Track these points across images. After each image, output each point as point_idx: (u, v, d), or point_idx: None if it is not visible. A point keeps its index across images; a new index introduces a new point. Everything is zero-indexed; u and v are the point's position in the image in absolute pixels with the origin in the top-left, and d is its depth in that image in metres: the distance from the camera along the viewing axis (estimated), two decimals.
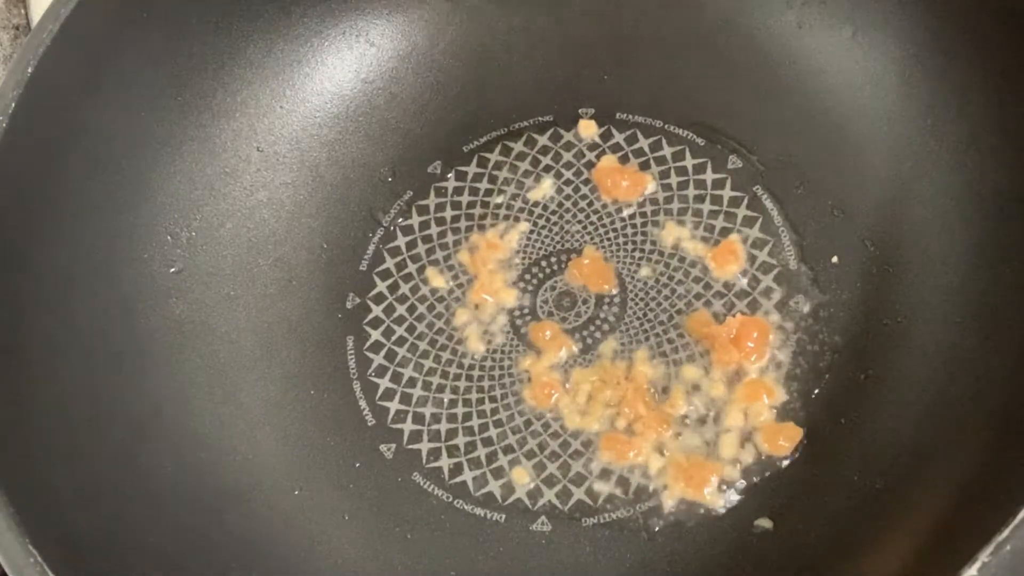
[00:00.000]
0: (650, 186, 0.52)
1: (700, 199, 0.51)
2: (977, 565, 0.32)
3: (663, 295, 0.50)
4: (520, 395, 0.49)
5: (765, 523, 0.44)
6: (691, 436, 0.46)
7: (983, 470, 0.39)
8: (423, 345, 0.51)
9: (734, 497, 0.45)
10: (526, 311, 0.51)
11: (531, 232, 0.52)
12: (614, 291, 0.50)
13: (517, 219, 0.53)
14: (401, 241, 0.53)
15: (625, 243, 0.51)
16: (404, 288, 0.52)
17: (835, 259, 0.49)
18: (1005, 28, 0.46)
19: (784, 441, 0.45)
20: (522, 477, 0.47)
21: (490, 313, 0.51)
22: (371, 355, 0.51)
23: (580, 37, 0.56)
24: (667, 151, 0.53)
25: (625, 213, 0.52)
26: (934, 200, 0.48)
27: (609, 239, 0.51)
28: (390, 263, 0.53)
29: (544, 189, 0.53)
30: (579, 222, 0.52)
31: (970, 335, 0.44)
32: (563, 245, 0.52)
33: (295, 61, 0.55)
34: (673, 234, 0.51)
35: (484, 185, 0.54)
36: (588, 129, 0.54)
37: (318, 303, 0.52)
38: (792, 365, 0.47)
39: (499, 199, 0.54)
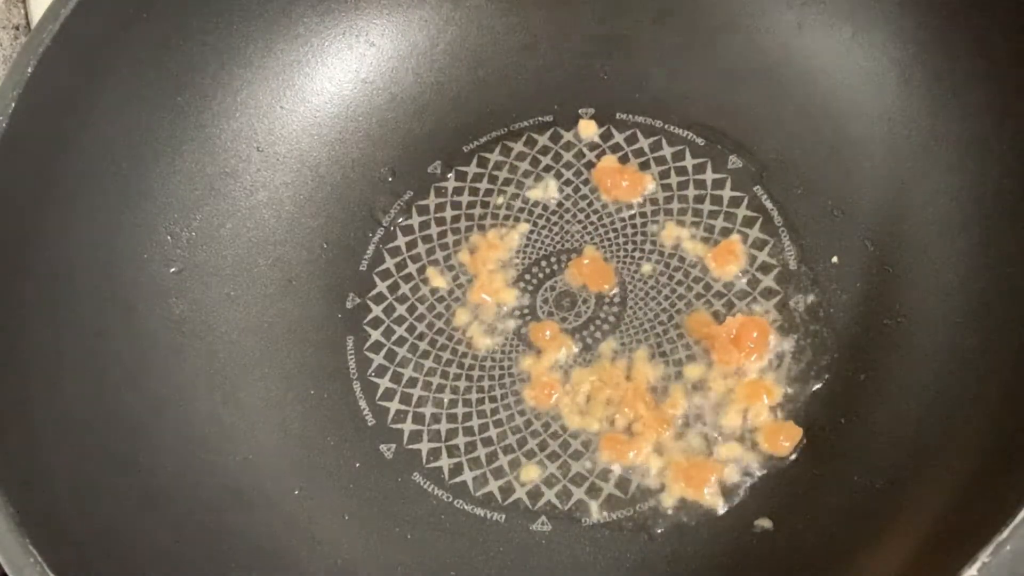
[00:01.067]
0: (650, 186, 0.52)
1: (700, 199, 0.51)
2: (977, 565, 0.32)
3: (663, 295, 0.50)
4: (520, 395, 0.49)
5: (765, 523, 0.44)
6: (691, 436, 0.46)
7: (983, 470, 0.39)
8: (423, 345, 0.51)
9: (734, 497, 0.45)
10: (526, 311, 0.51)
11: (531, 232, 0.52)
12: (614, 291, 0.50)
13: (517, 219, 0.53)
14: (401, 241, 0.53)
15: (625, 243, 0.51)
16: (404, 288, 0.52)
17: (835, 259, 0.49)
18: (1005, 28, 0.46)
19: (784, 441, 0.45)
20: (526, 476, 0.47)
21: (490, 313, 0.51)
22: (371, 355, 0.51)
23: (580, 37, 0.56)
24: (667, 151, 0.53)
25: (625, 213, 0.52)
26: (934, 200, 0.48)
27: (609, 239, 0.51)
28: (390, 263, 0.53)
29: (544, 189, 0.53)
30: (579, 222, 0.52)
31: (970, 335, 0.44)
32: (563, 245, 0.52)
33: (295, 61, 0.55)
34: (673, 234, 0.51)
35: (484, 185, 0.54)
36: (588, 129, 0.54)
37: (318, 303, 0.52)
38: (792, 365, 0.47)
39: (499, 199, 0.54)
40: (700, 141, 0.53)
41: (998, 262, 0.45)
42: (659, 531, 0.45)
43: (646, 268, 0.50)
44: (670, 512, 0.45)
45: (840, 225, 0.49)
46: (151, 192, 0.51)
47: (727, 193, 0.51)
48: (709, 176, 0.52)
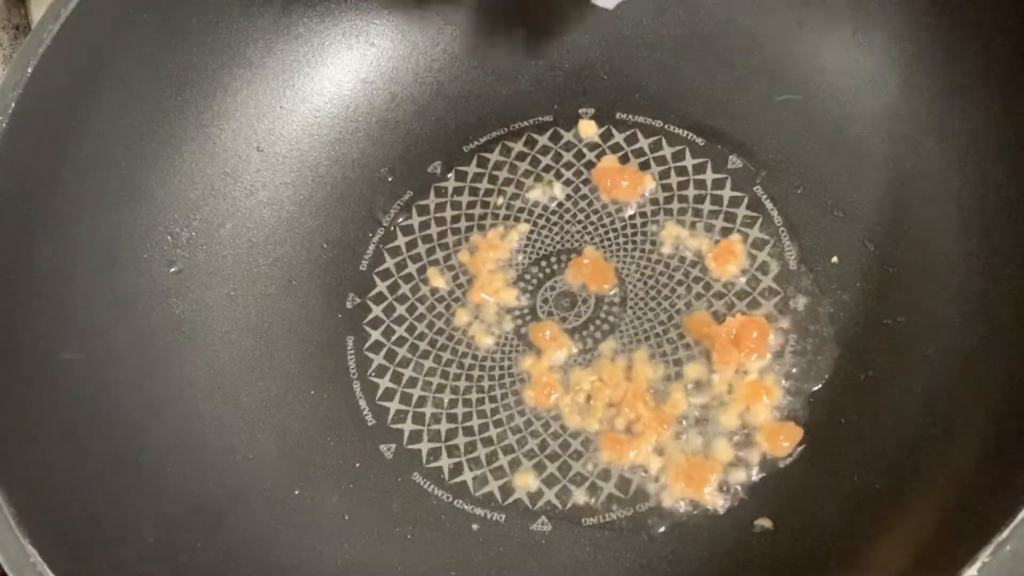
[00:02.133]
0: (650, 186, 0.52)
1: (700, 199, 0.51)
2: (977, 565, 0.32)
3: (663, 295, 0.50)
4: (520, 395, 0.49)
5: (765, 523, 0.44)
6: (691, 436, 0.46)
7: (983, 470, 0.39)
8: (423, 345, 0.51)
9: (734, 497, 0.45)
10: (526, 311, 0.51)
11: (531, 232, 0.52)
12: (614, 291, 0.50)
13: (517, 219, 0.53)
14: (401, 241, 0.53)
15: (625, 243, 0.51)
16: (404, 288, 0.52)
17: (835, 259, 0.49)
18: (1005, 27, 0.46)
19: (784, 441, 0.45)
20: (526, 478, 0.47)
21: (490, 313, 0.51)
22: (371, 355, 0.51)
23: (580, 37, 0.56)
24: (667, 151, 0.53)
25: (625, 213, 0.52)
26: (934, 200, 0.48)
27: (609, 239, 0.51)
28: (390, 263, 0.53)
29: (544, 189, 0.53)
30: (579, 222, 0.52)
31: (970, 335, 0.44)
32: (563, 245, 0.52)
33: (295, 61, 0.55)
34: (673, 234, 0.51)
35: (484, 185, 0.54)
36: (588, 129, 0.54)
37: (318, 303, 0.52)
38: (792, 365, 0.47)
39: (499, 199, 0.54)
40: (700, 141, 0.53)
41: (998, 262, 0.45)
42: (659, 531, 0.45)
43: (646, 268, 0.50)
44: (670, 512, 0.45)
45: (840, 225, 0.49)
46: (151, 192, 0.51)
47: (727, 193, 0.51)
48: (709, 176, 0.52)
